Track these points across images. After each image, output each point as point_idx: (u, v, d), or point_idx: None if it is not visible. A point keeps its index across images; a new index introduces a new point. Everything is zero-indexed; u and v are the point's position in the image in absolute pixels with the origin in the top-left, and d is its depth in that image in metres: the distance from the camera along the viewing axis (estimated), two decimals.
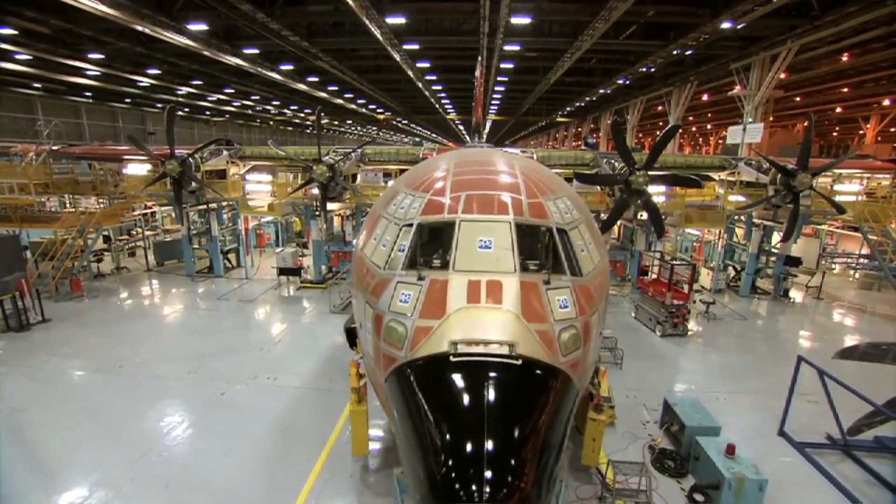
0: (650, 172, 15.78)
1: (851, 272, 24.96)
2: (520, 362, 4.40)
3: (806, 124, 21.68)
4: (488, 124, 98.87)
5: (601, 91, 49.89)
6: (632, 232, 21.79)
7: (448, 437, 3.95)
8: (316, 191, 19.47)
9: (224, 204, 23.28)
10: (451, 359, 4.42)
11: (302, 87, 45.14)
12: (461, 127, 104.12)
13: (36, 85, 41.95)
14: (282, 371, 13.43)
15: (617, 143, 15.46)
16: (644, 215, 16.85)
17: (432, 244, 6.33)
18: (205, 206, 22.63)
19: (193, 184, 19.82)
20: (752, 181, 20.86)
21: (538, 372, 4.55)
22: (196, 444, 10.03)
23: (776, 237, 22.54)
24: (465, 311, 5.00)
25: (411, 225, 6.03)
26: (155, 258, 24.90)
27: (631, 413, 11.59)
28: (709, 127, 79.41)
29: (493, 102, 69.61)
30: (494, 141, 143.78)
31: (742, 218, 21.49)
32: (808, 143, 17.33)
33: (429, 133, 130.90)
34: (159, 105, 58.40)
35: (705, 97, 49.80)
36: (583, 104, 60.18)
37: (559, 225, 6.04)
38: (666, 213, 20.70)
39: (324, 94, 52.54)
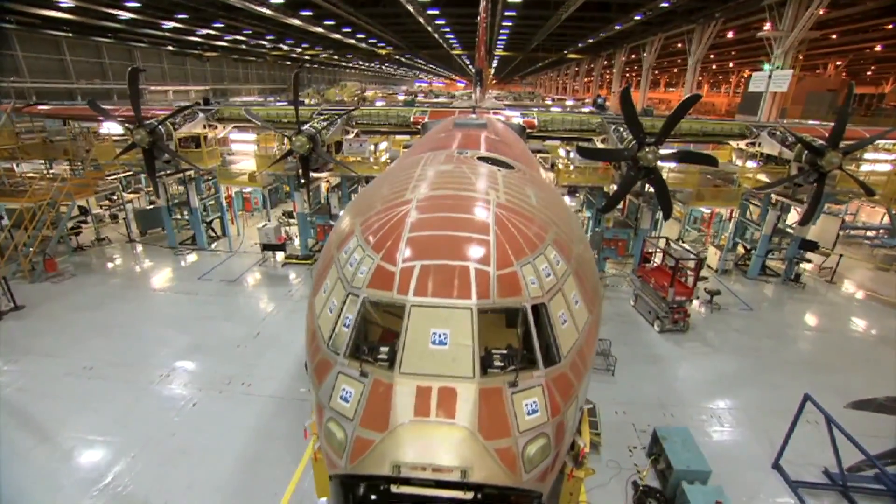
0: (661, 150, 14.33)
1: (871, 249, 23.53)
2: (471, 496, 3.89)
3: (845, 91, 19.28)
4: (495, 61, 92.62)
5: (616, 27, 45.61)
6: (637, 208, 20.29)
7: None
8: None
9: (205, 172, 21.81)
10: (393, 488, 3.94)
11: (295, 21, 42.15)
12: (468, 62, 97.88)
13: (7, 17, 38.72)
14: (258, 374, 12.90)
15: (626, 113, 13.83)
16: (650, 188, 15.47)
17: (382, 321, 5.43)
18: (182, 176, 21.22)
19: (166, 154, 18.35)
20: (773, 155, 18.97)
21: (496, 499, 4.00)
22: (158, 475, 9.61)
23: (793, 215, 21.00)
24: (412, 427, 4.16)
25: (358, 296, 4.97)
26: (137, 227, 23.89)
27: (618, 434, 11.01)
28: (730, 65, 73.74)
29: (499, 38, 64.56)
30: (502, 76, 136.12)
31: (760, 196, 19.79)
32: (843, 118, 15.30)
33: (433, 67, 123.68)
34: (146, 40, 54.98)
35: (730, 34, 45.34)
36: (596, 40, 55.48)
37: (536, 300, 4.92)
38: (675, 189, 19.13)
39: (320, 29, 49.23)
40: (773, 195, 19.31)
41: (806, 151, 16.38)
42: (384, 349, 4.81)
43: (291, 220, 24.12)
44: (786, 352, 14.90)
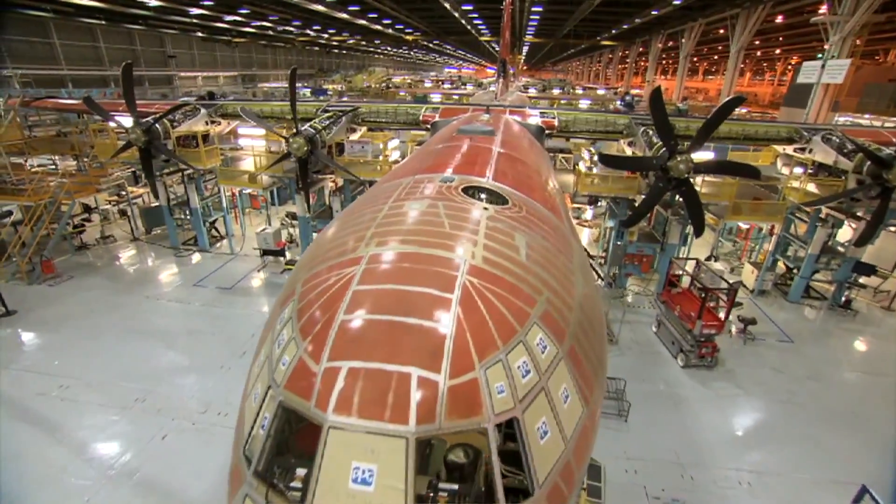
0: (695, 156, 12.61)
1: None
2: None
3: None
4: (525, 48, 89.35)
5: (654, 13, 42.47)
6: (665, 220, 18.35)
7: None
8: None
9: (204, 171, 21.04)
10: None
11: (319, 7, 41.75)
12: (496, 48, 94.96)
13: (45, 6, 39.28)
14: (236, 402, 11.90)
15: (656, 117, 12.15)
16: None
17: (308, 430, 4.21)
18: (182, 175, 20.51)
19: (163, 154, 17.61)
20: (827, 163, 16.67)
21: None
22: None
23: (845, 231, 18.62)
24: None
25: (275, 396, 3.75)
26: (143, 225, 23.47)
27: (626, 498, 9.57)
28: (777, 52, 68.51)
29: (530, 24, 61.83)
30: (532, 63, 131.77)
31: (808, 210, 17.50)
32: None
33: (462, 53, 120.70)
34: (176, 27, 55.48)
35: (779, 19, 41.51)
36: (631, 26, 52.14)
37: (503, 415, 3.56)
38: (708, 202, 17.10)
39: (345, 15, 48.44)
40: (823, 209, 17.04)
41: (868, 162, 14.19)
42: (301, 472, 3.63)
43: (295, 222, 23.18)
44: (832, 398, 12.94)
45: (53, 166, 23.55)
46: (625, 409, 11.64)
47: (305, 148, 16.14)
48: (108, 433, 10.98)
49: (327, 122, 18.00)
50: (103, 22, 47.60)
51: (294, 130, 16.23)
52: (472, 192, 6.86)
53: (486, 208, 5.90)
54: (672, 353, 14.42)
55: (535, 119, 19.02)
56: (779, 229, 18.34)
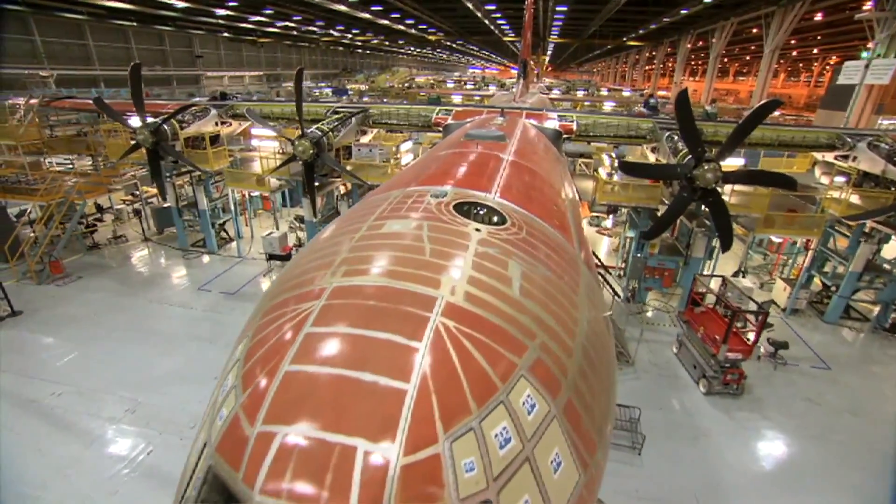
0: (723, 164, 11.58)
1: None
2: None
3: None
4: (550, 48, 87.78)
5: (683, 12, 40.81)
6: (689, 232, 17.15)
7: None
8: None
9: (213, 173, 20.84)
10: None
11: (341, 7, 42.19)
12: (520, 48, 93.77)
13: (80, 9, 40.66)
14: None
15: (682, 122, 11.18)
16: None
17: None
18: (190, 177, 20.34)
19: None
20: (873, 173, 15.22)
21: None
22: None
23: (893, 246, 17.04)
24: None
25: (206, 458, 3.06)
26: (154, 225, 23.49)
27: None
28: (814, 52, 65.26)
29: (554, 23, 60.50)
30: (557, 63, 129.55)
31: (850, 224, 16.02)
32: None
33: (486, 53, 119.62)
34: (203, 28, 56.75)
35: (819, 16, 39.28)
36: (659, 26, 50.38)
37: (472, 498, 2.76)
38: (738, 214, 15.85)
39: (367, 15, 48.48)
40: (867, 222, 15.57)
41: None
42: None
43: (303, 225, 22.78)
44: (876, 436, 11.58)
45: (71, 166, 23.78)
46: (639, 441, 10.65)
47: (311, 151, 15.64)
48: (93, 448, 10.59)
49: (335, 124, 17.48)
50: (135, 24, 49.01)
51: (300, 133, 15.78)
52: (467, 208, 6.08)
53: (477, 229, 5.01)
54: (693, 377, 13.30)
55: (552, 123, 18.06)
56: (816, 244, 16.89)
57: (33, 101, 22.87)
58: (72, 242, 20.96)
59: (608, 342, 4.95)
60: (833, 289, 17.00)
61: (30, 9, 37.85)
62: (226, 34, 65.37)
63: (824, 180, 18.25)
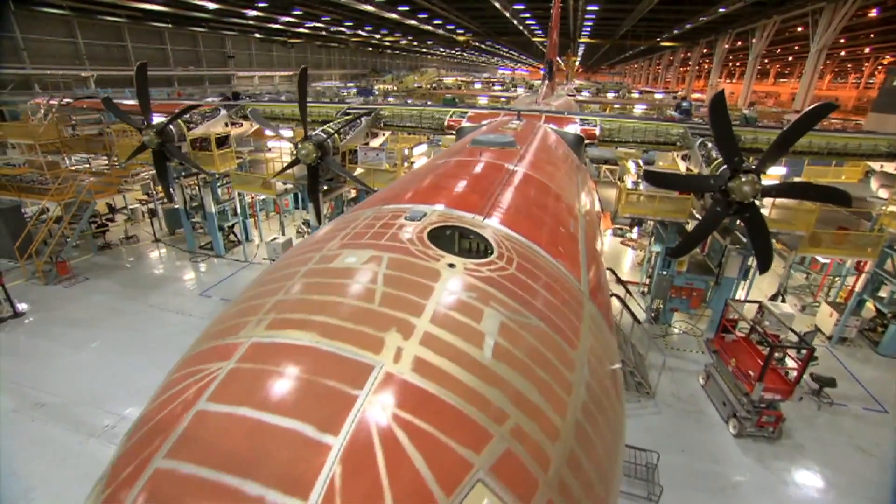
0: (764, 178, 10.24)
1: None
2: None
3: None
4: (580, 49, 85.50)
5: (721, 10, 38.47)
6: (722, 249, 15.54)
7: None
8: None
9: (220, 175, 20.44)
10: None
11: (369, 7, 42.11)
12: None
13: (119, 12, 42.05)
14: None
15: (716, 128, 9.90)
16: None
17: None
18: (197, 179, 20.00)
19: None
20: None
21: None
22: None
23: None
24: None
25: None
26: (166, 225, 23.36)
27: None
28: (865, 51, 61.00)
29: (585, 23, 58.66)
30: (588, 65, 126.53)
31: None
32: None
33: (515, 54, 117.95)
34: (235, 29, 57.81)
35: (873, 13, 36.29)
36: (695, 25, 47.90)
37: None
38: (779, 231, 14.20)
39: (394, 16, 48.41)
40: None
41: None
42: None
43: (310, 230, 22.18)
44: None
45: (88, 165, 23.95)
46: (655, 493, 9.32)
47: (314, 154, 14.88)
48: (67, 466, 10.04)
49: (342, 126, 16.70)
50: (170, 25, 50.29)
51: (304, 135, 15.05)
52: (450, 233, 5.03)
53: (451, 265, 3.85)
54: (722, 416, 11.80)
55: (573, 127, 16.76)
56: (871, 265, 14.99)
57: (53, 101, 23.10)
58: (83, 242, 20.99)
59: (614, 406, 3.77)
60: (890, 316, 15.07)
61: (73, 13, 39.24)
62: (257, 35, 66.55)
63: (882, 193, 16.27)
